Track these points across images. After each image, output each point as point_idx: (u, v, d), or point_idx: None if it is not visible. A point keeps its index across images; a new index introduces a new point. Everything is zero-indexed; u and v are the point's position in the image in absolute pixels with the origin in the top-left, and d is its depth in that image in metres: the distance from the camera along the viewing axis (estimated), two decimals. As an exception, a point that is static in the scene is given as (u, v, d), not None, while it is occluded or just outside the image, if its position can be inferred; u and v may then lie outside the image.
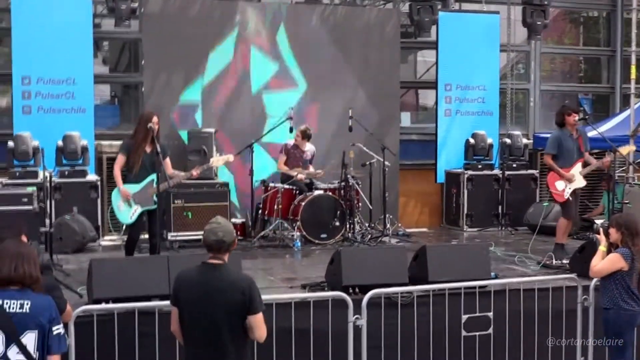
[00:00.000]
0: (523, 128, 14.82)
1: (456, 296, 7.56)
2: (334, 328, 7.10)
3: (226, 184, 11.39)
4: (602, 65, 16.36)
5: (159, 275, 7.27)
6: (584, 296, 7.80)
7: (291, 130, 11.82)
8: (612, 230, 6.91)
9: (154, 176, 8.80)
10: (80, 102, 11.71)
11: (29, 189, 10.33)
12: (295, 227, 11.22)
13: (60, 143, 11.28)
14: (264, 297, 5.28)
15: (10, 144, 11.07)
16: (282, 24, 12.67)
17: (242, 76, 12.49)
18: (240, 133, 12.20)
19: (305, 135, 11.78)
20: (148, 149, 8.90)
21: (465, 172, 13.22)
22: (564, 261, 9.53)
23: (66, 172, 11.27)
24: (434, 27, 13.43)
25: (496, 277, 8.53)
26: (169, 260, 7.51)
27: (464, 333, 7.56)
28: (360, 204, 11.82)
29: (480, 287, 7.75)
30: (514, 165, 13.44)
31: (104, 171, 11.92)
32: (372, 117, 12.96)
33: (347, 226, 11.45)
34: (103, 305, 6.87)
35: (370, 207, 11.93)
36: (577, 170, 10.03)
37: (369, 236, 11.55)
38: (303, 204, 11.23)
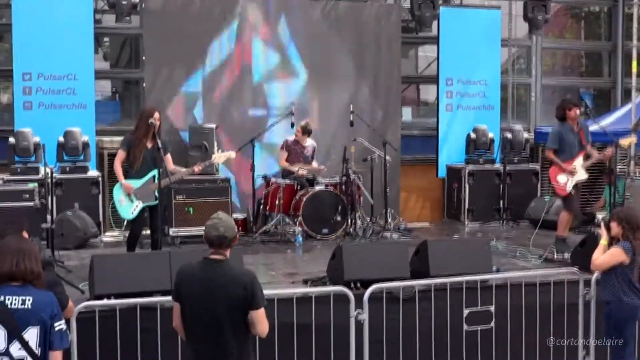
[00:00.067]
0: (524, 122, 14.79)
1: (458, 290, 7.57)
2: (335, 323, 7.11)
3: (227, 180, 11.39)
4: (603, 59, 16.34)
5: (160, 270, 7.27)
6: (586, 290, 7.80)
7: (292, 125, 11.82)
8: (613, 224, 6.91)
9: (155, 172, 8.80)
10: (81, 98, 11.70)
11: (30, 185, 10.35)
12: (297, 222, 11.23)
13: (61, 139, 11.27)
14: (265, 292, 5.28)
15: (12, 140, 11.06)
16: (284, 16, 12.65)
17: (243, 67, 12.48)
18: (240, 127, 12.23)
19: (306, 131, 11.78)
20: (149, 145, 8.92)
21: (467, 166, 13.22)
22: (566, 255, 9.53)
23: (67, 168, 11.27)
24: (435, 22, 13.42)
25: (498, 272, 8.53)
26: (170, 255, 7.52)
27: (465, 327, 7.57)
28: (361, 199, 11.82)
29: (481, 281, 7.75)
30: (515, 160, 13.43)
31: (105, 167, 11.91)
32: (373, 112, 12.97)
33: (349, 221, 11.45)
34: (105, 301, 6.88)
35: (372, 202, 11.92)
36: (578, 163, 10.02)
37: (371, 231, 11.54)
38: (304, 199, 11.24)
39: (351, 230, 11.41)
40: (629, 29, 14.58)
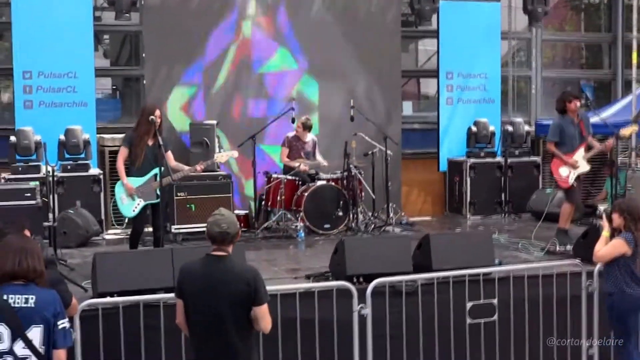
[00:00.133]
0: (525, 115, 14.77)
1: (460, 284, 7.57)
2: (338, 318, 7.12)
3: (229, 176, 11.39)
4: (603, 51, 16.32)
5: (163, 267, 7.28)
6: (589, 282, 7.80)
7: (293, 121, 11.81)
8: (615, 216, 6.92)
9: (157, 170, 8.77)
10: (82, 95, 11.70)
11: (32, 184, 10.36)
12: (299, 218, 11.23)
13: (62, 137, 11.27)
14: (268, 288, 5.28)
15: (13, 138, 11.07)
16: (283, 9, 12.62)
17: (243, 61, 12.45)
18: (240, 121, 12.23)
19: (306, 127, 11.77)
20: (150, 142, 8.89)
21: (468, 160, 13.22)
22: (568, 247, 9.53)
23: (68, 167, 11.27)
24: (434, 16, 13.41)
25: (500, 264, 8.53)
26: (173, 252, 7.50)
27: (468, 320, 7.57)
28: (363, 193, 11.81)
29: (484, 274, 7.75)
30: (516, 153, 13.44)
31: (107, 165, 11.90)
32: (373, 106, 12.95)
33: (351, 216, 11.45)
34: (108, 299, 6.88)
35: (373, 197, 11.91)
36: (580, 155, 10.01)
37: (373, 226, 11.54)
38: (306, 194, 11.24)
39: (353, 225, 11.41)
40: (629, 20, 14.56)
